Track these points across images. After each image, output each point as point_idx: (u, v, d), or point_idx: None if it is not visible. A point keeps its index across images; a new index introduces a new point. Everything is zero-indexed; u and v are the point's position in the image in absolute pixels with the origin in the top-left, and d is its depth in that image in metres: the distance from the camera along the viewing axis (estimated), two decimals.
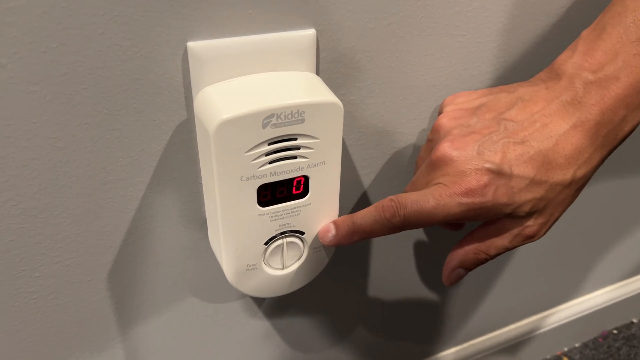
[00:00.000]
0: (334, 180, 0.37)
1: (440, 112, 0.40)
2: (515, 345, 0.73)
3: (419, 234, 0.54)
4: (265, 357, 0.54)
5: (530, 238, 0.37)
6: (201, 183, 0.39)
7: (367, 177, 0.46)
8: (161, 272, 0.42)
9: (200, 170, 0.38)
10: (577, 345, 0.81)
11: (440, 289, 0.61)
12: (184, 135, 0.36)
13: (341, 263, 0.50)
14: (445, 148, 0.35)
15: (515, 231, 0.36)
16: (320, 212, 0.38)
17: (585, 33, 0.35)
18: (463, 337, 0.69)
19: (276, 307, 0.50)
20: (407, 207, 0.35)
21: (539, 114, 0.35)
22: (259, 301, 0.49)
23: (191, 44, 0.33)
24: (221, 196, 0.34)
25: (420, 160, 0.42)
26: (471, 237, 0.38)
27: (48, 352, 0.42)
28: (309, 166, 0.36)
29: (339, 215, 0.39)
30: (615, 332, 0.83)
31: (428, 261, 0.56)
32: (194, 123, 0.36)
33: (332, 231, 0.38)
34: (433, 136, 0.39)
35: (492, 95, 0.38)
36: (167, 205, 0.39)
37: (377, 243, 0.51)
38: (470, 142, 0.35)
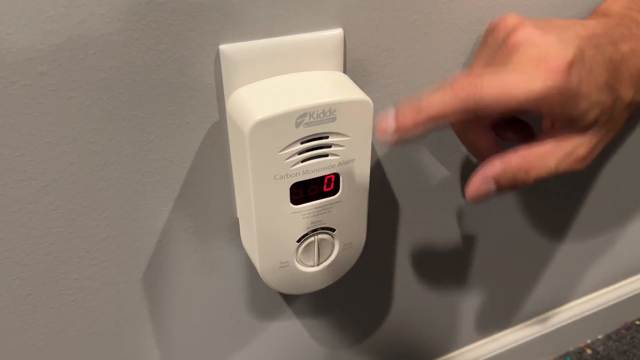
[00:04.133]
0: (364, 177, 0.38)
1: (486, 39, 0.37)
2: (537, 338, 0.73)
3: (451, 234, 0.54)
4: (293, 354, 0.54)
5: (579, 162, 0.34)
6: (233, 183, 0.39)
7: (395, 173, 0.46)
8: (195, 272, 0.43)
9: (232, 171, 0.39)
10: (600, 337, 0.81)
11: (464, 282, 0.61)
12: (216, 137, 0.37)
13: (370, 260, 0.50)
14: (529, 29, 0.33)
15: (568, 149, 0.34)
16: (350, 209, 0.39)
17: None
18: (486, 330, 0.69)
19: (305, 304, 0.51)
20: (484, 81, 0.31)
21: (601, 28, 0.34)
22: (288, 299, 0.49)
23: (223, 47, 0.34)
24: (255, 195, 0.35)
25: (477, 63, 0.38)
26: (515, 153, 0.35)
27: (87, 353, 0.43)
28: (339, 164, 0.36)
29: (368, 212, 0.40)
30: (638, 323, 0.83)
31: (454, 258, 0.57)
32: (226, 125, 0.37)
33: (391, 118, 0.33)
34: (493, 34, 0.36)
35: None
36: (200, 205, 0.39)
37: (405, 240, 0.52)
38: (549, 29, 0.33)
